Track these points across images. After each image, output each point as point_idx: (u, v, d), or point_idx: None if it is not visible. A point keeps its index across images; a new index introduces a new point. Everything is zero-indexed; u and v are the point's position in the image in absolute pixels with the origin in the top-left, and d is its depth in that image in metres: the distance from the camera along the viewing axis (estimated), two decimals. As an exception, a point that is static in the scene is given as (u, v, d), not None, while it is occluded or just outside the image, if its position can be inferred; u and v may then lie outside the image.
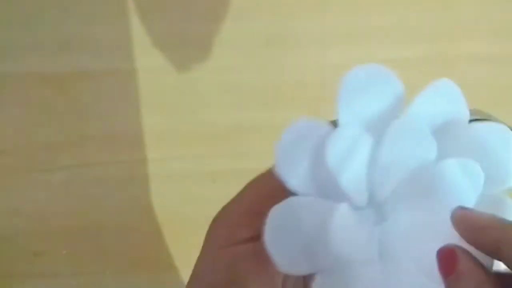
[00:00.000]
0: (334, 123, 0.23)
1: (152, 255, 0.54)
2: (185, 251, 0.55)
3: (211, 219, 0.26)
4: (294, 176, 0.22)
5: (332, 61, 0.57)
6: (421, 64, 0.58)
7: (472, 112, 0.25)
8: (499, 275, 0.20)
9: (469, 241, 0.20)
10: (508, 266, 0.19)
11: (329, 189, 0.22)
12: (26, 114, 0.56)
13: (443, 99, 0.24)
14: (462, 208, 0.21)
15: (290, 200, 0.22)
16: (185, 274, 0.55)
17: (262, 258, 0.22)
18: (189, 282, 0.25)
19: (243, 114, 0.56)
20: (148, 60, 0.56)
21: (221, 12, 0.58)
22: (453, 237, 0.20)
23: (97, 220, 0.54)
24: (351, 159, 0.22)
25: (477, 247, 0.20)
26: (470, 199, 0.22)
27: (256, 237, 0.23)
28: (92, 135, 0.55)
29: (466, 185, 0.22)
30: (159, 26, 0.57)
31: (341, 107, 0.23)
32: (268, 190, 0.23)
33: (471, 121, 0.25)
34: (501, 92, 0.58)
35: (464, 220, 0.20)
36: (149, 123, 0.56)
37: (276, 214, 0.22)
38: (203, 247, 0.25)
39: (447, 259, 0.20)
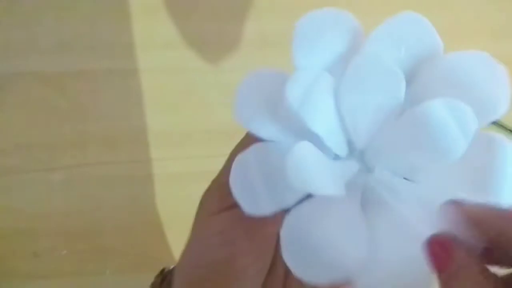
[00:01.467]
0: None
1: (152, 255, 0.54)
2: (185, 251, 0.55)
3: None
4: (255, 120, 0.22)
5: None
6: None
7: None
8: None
9: (461, 234, 0.18)
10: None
11: (301, 136, 0.21)
12: (26, 114, 0.56)
13: (408, 31, 0.22)
14: (452, 202, 0.18)
15: (256, 145, 0.22)
16: (185, 274, 0.55)
17: (251, 221, 0.22)
18: (183, 252, 0.25)
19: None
20: (148, 60, 0.56)
21: (221, 12, 0.58)
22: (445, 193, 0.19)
23: (97, 220, 0.54)
24: (314, 98, 0.20)
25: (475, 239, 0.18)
26: (460, 147, 0.19)
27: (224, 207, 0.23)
28: (92, 135, 0.55)
29: (455, 132, 0.19)
30: (159, 26, 0.57)
31: (295, 53, 0.22)
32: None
33: None
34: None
35: (458, 214, 0.18)
36: (149, 123, 0.56)
37: (241, 158, 0.22)
38: (195, 218, 0.25)
39: (440, 251, 0.18)
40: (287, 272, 0.23)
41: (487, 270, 0.18)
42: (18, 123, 0.56)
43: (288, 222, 0.21)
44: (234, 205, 0.23)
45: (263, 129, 0.22)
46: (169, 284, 0.26)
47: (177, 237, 0.55)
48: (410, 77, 0.21)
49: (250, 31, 0.58)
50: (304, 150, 0.20)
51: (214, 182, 0.25)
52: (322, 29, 0.22)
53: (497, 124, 0.57)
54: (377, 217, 0.21)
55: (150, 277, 0.55)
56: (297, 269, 0.20)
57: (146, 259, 0.54)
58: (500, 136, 0.20)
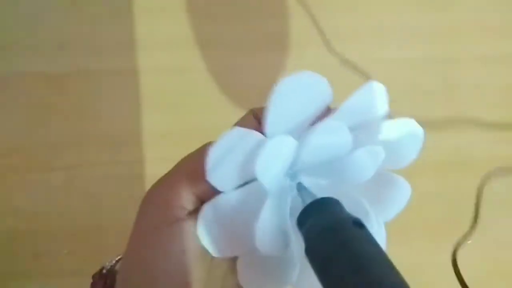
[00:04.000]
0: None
1: (152, 255, 0.54)
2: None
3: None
4: (225, 184, 0.25)
5: (332, 61, 0.57)
6: (421, 64, 0.58)
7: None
8: None
9: None
10: None
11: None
12: (26, 114, 0.56)
13: (367, 100, 0.27)
14: None
15: (220, 197, 0.25)
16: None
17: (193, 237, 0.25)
18: (124, 259, 0.27)
19: (243, 114, 0.56)
20: (148, 60, 0.56)
21: (221, 12, 0.58)
22: (355, 203, 0.26)
23: (97, 220, 0.54)
24: (275, 165, 0.25)
25: None
26: (369, 173, 0.26)
27: (188, 216, 0.26)
28: (92, 135, 0.55)
29: (368, 163, 0.26)
30: (159, 26, 0.57)
31: (270, 115, 0.25)
32: (195, 170, 0.25)
33: None
34: (501, 92, 0.58)
35: None
36: (149, 123, 0.56)
37: (207, 210, 0.25)
38: (136, 226, 0.27)
39: None
40: (225, 273, 0.27)
41: None
42: (18, 123, 0.56)
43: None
44: (177, 219, 0.25)
45: (231, 187, 0.25)
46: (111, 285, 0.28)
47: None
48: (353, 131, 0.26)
49: (251, 31, 0.58)
50: (266, 221, 0.24)
51: (155, 191, 0.28)
52: (297, 97, 0.26)
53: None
54: None
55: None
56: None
57: (146, 259, 0.54)
58: (400, 178, 0.28)
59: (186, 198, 0.26)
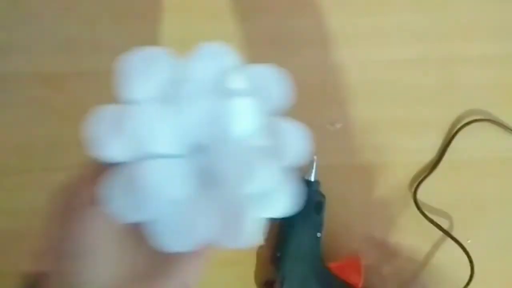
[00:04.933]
0: None
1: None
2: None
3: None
4: (109, 154, 0.28)
5: (332, 61, 0.57)
6: (421, 64, 0.58)
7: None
8: None
9: None
10: None
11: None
12: (26, 114, 0.56)
13: (214, 56, 0.32)
14: None
15: (115, 169, 0.28)
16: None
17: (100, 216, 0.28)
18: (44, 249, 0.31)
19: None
20: (148, 60, 0.56)
21: (222, 12, 0.58)
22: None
23: (97, 220, 0.54)
24: (154, 129, 0.28)
25: None
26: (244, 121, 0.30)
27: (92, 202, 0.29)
28: (92, 135, 0.55)
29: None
30: (159, 26, 0.57)
31: (121, 90, 0.29)
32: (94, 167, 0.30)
33: None
34: (501, 91, 0.58)
35: None
36: (149, 123, 0.56)
37: (108, 180, 0.28)
38: (50, 215, 0.31)
39: None
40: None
41: None
42: (18, 123, 0.56)
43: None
44: (84, 205, 0.29)
45: (120, 157, 0.28)
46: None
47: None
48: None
49: (251, 31, 0.58)
50: (151, 168, 0.28)
51: (65, 190, 0.32)
52: (143, 67, 0.29)
53: (496, 123, 0.57)
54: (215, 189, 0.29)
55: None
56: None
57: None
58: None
59: (90, 190, 0.29)
